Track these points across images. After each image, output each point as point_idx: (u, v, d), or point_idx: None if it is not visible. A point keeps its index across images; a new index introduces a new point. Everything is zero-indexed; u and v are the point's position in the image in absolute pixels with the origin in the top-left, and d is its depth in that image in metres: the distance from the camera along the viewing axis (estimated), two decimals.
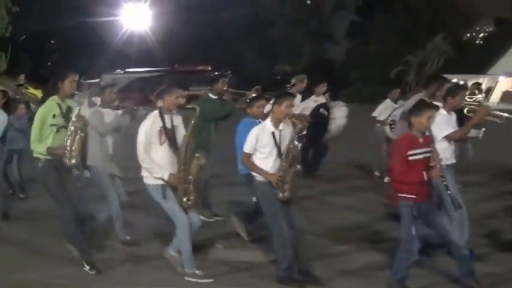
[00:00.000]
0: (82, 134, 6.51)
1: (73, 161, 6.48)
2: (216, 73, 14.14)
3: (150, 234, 7.93)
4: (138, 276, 6.44)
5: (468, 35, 49.31)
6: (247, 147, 6.29)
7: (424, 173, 5.73)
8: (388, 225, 8.27)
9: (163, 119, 6.29)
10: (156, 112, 6.35)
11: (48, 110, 6.49)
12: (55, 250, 7.08)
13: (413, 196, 5.69)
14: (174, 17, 44.07)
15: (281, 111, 6.16)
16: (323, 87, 11.87)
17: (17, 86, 16.88)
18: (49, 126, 6.44)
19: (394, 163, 5.79)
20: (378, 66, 42.79)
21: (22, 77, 18.39)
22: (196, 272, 6.34)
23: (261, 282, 6.37)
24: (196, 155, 6.40)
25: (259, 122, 6.84)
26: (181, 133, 6.38)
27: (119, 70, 40.44)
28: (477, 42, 49.86)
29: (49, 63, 48.53)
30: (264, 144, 6.18)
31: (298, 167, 6.22)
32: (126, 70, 40.38)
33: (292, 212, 6.22)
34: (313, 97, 11.78)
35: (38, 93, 17.55)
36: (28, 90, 21.66)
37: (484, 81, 39.25)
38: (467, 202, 6.91)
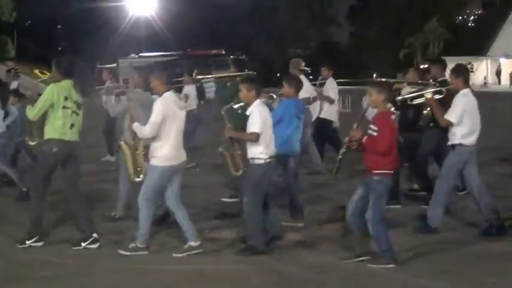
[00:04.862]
0: None
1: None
2: (232, 57, 14.12)
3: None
4: (143, 255, 6.44)
5: (460, 18, 49.50)
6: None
7: None
8: None
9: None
10: (168, 94, 6.42)
11: (63, 90, 6.41)
12: (60, 231, 7.11)
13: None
14: (179, 1, 43.98)
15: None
16: (325, 70, 11.84)
17: (7, 71, 16.93)
18: (62, 108, 6.36)
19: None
20: (382, 49, 42.78)
21: (11, 63, 18.37)
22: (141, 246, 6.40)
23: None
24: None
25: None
26: None
27: (133, 55, 40.17)
28: (469, 25, 50.08)
29: (59, 49, 48.13)
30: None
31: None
32: (140, 54, 39.99)
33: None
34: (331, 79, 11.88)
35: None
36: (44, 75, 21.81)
37: (488, 63, 39.32)
38: None
